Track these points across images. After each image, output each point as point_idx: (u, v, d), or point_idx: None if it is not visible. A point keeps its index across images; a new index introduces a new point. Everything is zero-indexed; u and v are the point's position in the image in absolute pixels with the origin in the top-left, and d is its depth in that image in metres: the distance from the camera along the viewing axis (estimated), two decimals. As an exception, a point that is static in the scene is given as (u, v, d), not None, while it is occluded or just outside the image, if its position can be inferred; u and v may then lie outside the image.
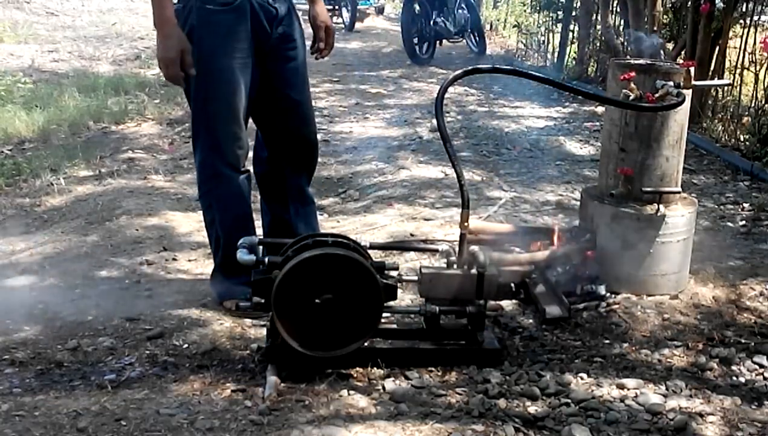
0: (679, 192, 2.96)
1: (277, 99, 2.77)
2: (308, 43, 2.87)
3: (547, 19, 9.58)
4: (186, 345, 2.54)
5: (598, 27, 8.07)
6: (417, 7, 9.27)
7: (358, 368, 2.36)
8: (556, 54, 9.22)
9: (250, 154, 2.90)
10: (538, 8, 9.88)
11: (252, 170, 2.89)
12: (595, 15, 8.24)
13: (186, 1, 2.59)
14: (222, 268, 2.80)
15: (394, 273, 2.42)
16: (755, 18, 5.84)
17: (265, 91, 2.75)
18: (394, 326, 2.59)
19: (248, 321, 2.69)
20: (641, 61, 2.96)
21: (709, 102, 5.92)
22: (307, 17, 2.93)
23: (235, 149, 2.70)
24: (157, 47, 2.50)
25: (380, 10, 14.91)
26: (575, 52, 8.79)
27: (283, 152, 2.87)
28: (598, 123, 6.00)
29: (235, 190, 2.73)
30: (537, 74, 3.03)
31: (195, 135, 2.73)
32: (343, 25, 12.85)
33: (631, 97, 2.75)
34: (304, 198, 2.95)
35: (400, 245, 3.01)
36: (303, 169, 2.92)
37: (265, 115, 2.82)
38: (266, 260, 2.31)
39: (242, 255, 2.35)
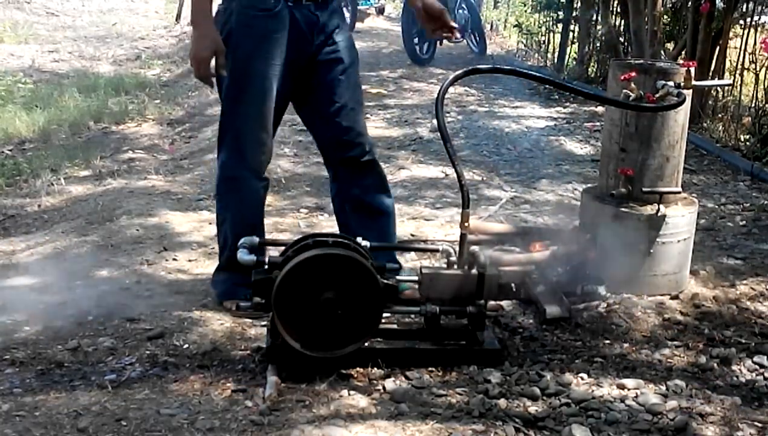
0: (679, 192, 2.96)
1: (322, 104, 2.74)
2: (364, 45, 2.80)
3: (548, 19, 9.57)
4: (186, 345, 2.53)
5: (599, 27, 8.07)
6: (417, 8, 9.25)
7: (358, 368, 2.35)
8: (556, 54, 9.22)
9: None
10: (538, 8, 9.88)
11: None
12: (595, 15, 8.24)
13: (228, 3, 2.60)
14: (225, 268, 2.80)
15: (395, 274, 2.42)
16: (755, 18, 5.84)
17: (310, 97, 2.73)
18: (395, 326, 2.59)
19: (248, 321, 2.69)
20: (641, 61, 2.96)
21: (710, 102, 5.93)
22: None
23: (258, 155, 2.69)
24: (192, 44, 2.50)
25: (380, 11, 14.89)
26: (575, 52, 8.79)
27: (334, 158, 2.83)
28: (598, 123, 6.00)
29: (252, 196, 2.73)
30: (537, 74, 3.03)
31: (221, 135, 2.72)
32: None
33: (631, 98, 2.75)
34: (366, 208, 2.84)
35: (400, 245, 3.01)
36: (356, 177, 2.83)
37: (313, 122, 2.81)
38: (267, 260, 2.31)
39: (242, 255, 2.35)
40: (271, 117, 2.66)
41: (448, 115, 6.26)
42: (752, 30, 5.69)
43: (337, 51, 2.71)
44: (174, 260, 3.33)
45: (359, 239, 2.43)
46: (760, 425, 2.17)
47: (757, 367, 2.48)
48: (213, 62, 2.52)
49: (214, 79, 2.56)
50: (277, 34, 2.58)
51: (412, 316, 2.60)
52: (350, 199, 2.85)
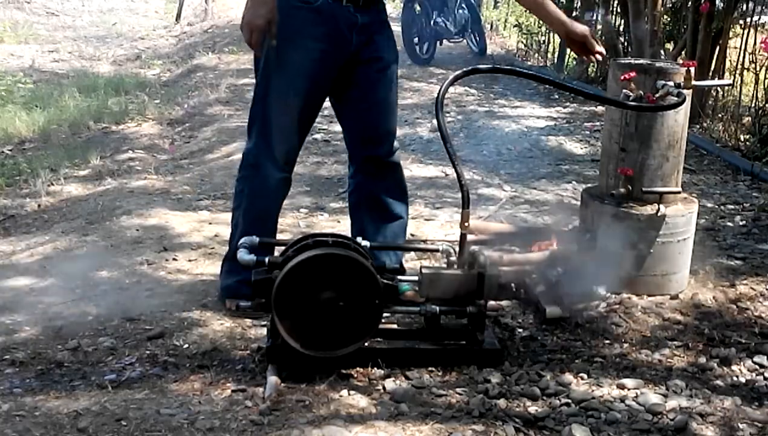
0: (679, 192, 2.97)
1: (356, 100, 2.75)
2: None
3: (548, 19, 9.55)
4: (186, 345, 2.54)
5: (599, 27, 8.07)
6: (417, 7, 9.26)
7: (358, 368, 2.36)
8: (556, 54, 9.22)
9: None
10: (538, 8, 9.87)
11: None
12: (595, 15, 8.23)
13: None
14: (233, 258, 2.79)
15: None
16: (755, 18, 5.84)
17: (346, 93, 2.74)
18: (395, 326, 2.59)
19: (248, 321, 2.69)
20: (641, 61, 2.96)
21: (710, 102, 5.93)
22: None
23: (282, 146, 2.69)
24: (246, 11, 2.49)
25: (380, 11, 14.89)
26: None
27: (359, 154, 2.82)
28: (598, 123, 6.00)
29: (269, 186, 2.72)
30: (537, 74, 3.03)
31: (250, 122, 2.74)
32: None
33: (631, 98, 2.75)
34: (382, 209, 2.84)
35: (400, 245, 3.01)
36: (377, 176, 2.83)
37: (345, 116, 2.82)
38: (267, 259, 2.31)
39: (242, 255, 2.35)
40: (299, 109, 2.65)
41: (447, 115, 6.26)
42: (752, 30, 5.69)
43: (376, 51, 2.70)
44: (174, 259, 3.33)
45: (359, 239, 2.43)
46: (760, 425, 2.17)
47: (757, 367, 2.48)
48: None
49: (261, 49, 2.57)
50: (314, 28, 2.57)
51: (412, 316, 2.61)
52: (367, 198, 2.85)
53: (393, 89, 2.79)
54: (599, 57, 2.88)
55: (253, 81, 2.73)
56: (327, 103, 2.79)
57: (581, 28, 2.80)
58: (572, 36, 2.79)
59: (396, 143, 2.86)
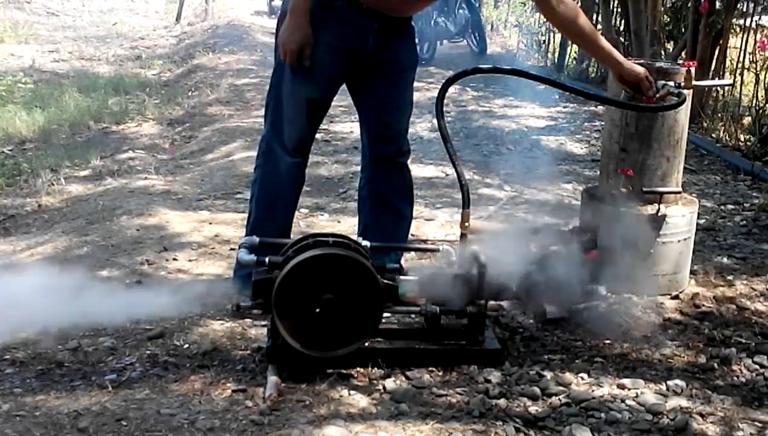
0: (679, 192, 2.97)
1: (372, 98, 2.78)
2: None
3: (548, 18, 9.56)
4: (186, 345, 2.54)
5: (599, 27, 8.07)
6: (417, 7, 9.25)
7: (358, 368, 2.36)
8: (556, 54, 9.23)
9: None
10: (538, 8, 9.88)
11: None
12: (595, 15, 8.24)
13: None
14: None
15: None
16: (755, 18, 5.84)
17: (363, 89, 2.78)
18: (395, 326, 2.59)
19: (248, 321, 2.69)
20: (642, 61, 2.96)
21: (710, 102, 5.93)
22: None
23: (292, 133, 2.72)
24: (284, 32, 2.59)
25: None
26: (575, 52, 8.79)
27: (371, 151, 2.85)
28: (598, 123, 6.00)
29: (280, 170, 2.75)
30: (537, 74, 3.03)
31: (266, 106, 2.79)
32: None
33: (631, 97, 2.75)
34: (387, 208, 2.88)
35: (401, 246, 3.01)
36: (385, 175, 2.86)
37: (361, 112, 2.85)
38: (267, 259, 2.31)
39: (242, 255, 2.36)
40: (307, 99, 2.68)
41: (447, 115, 6.25)
42: (752, 31, 5.69)
43: (395, 54, 2.73)
44: (174, 260, 3.33)
45: (359, 239, 2.43)
46: (760, 424, 2.17)
47: (757, 367, 2.48)
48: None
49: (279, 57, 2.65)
50: (332, 25, 2.60)
51: (412, 316, 2.61)
52: (375, 195, 2.88)
53: (407, 92, 2.82)
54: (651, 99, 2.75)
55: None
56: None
57: (635, 70, 2.70)
58: (625, 77, 2.71)
59: (407, 146, 2.87)
